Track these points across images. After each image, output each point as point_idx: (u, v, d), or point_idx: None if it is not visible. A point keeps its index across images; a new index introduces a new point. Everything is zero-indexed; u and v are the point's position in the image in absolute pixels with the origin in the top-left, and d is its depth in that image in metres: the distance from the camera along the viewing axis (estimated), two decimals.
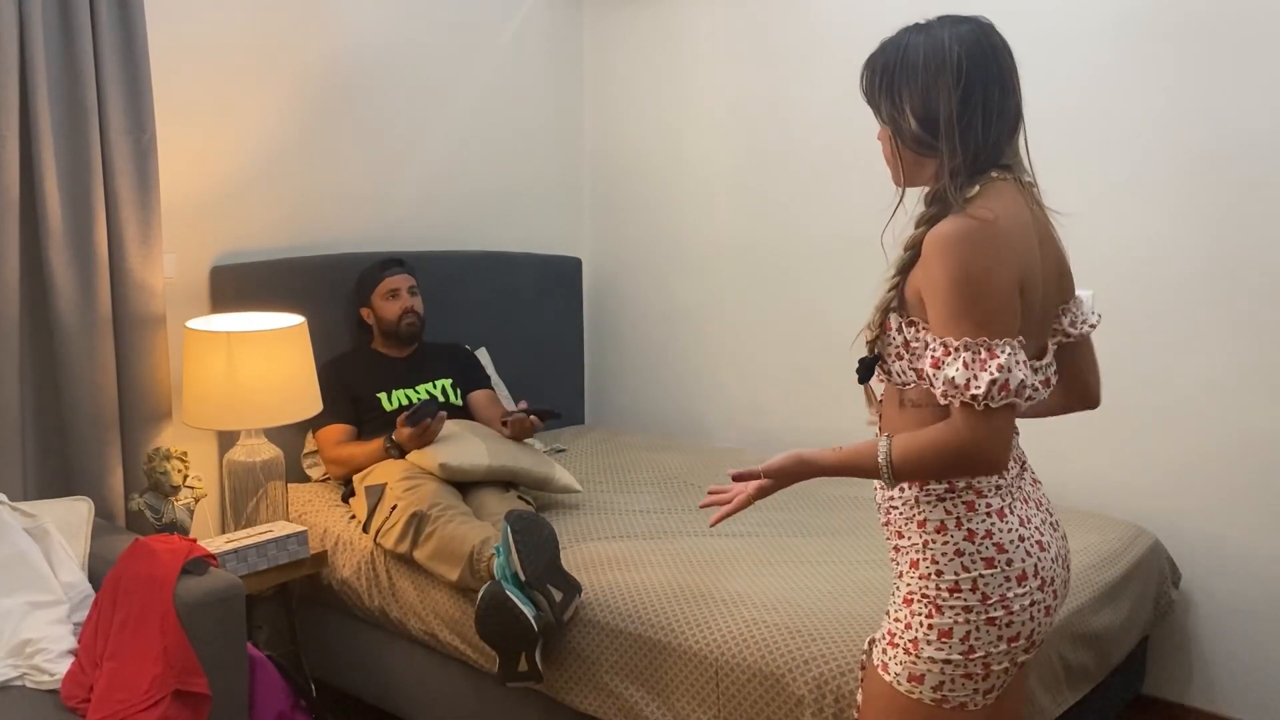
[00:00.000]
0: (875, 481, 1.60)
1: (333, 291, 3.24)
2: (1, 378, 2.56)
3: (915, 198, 1.55)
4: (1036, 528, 1.53)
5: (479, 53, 3.79)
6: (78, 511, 2.50)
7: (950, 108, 1.45)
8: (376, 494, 2.79)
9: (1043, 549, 1.52)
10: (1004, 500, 1.51)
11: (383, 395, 3.14)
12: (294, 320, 2.87)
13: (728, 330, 3.86)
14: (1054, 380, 1.59)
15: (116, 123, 2.70)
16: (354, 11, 3.40)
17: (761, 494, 1.63)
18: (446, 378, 3.27)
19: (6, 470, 2.57)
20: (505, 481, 2.95)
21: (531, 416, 3.02)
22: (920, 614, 1.50)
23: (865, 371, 1.57)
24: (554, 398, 3.93)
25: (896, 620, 1.54)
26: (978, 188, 1.45)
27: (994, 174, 1.48)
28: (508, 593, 2.27)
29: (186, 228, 3.02)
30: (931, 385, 1.42)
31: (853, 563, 2.54)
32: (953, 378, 1.38)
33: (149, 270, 2.78)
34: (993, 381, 1.36)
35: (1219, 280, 2.82)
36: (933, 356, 1.41)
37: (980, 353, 1.37)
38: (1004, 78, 1.48)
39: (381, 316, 3.20)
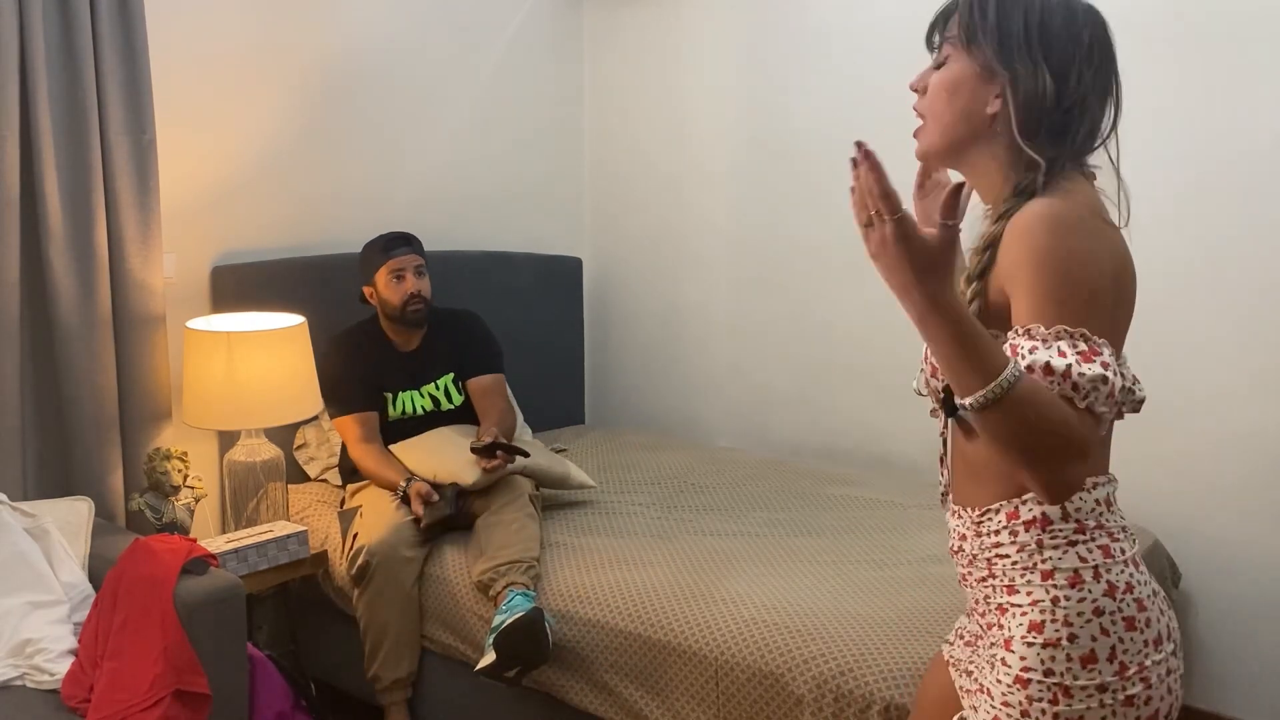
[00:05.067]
0: (955, 526, 1.32)
1: (333, 291, 3.24)
2: (2, 378, 2.56)
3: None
4: (1151, 580, 1.28)
5: (479, 53, 3.79)
6: (78, 511, 2.50)
7: (1082, 89, 1.26)
8: (349, 519, 2.79)
9: (1170, 605, 1.27)
10: (1134, 547, 1.25)
11: (388, 395, 3.03)
12: (294, 320, 2.87)
13: (728, 330, 3.86)
14: (1140, 392, 1.30)
15: (116, 123, 2.70)
16: (354, 11, 3.40)
17: (902, 229, 1.10)
18: (448, 373, 3.11)
19: (6, 470, 2.57)
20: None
21: (499, 455, 2.79)
22: (1041, 699, 1.20)
23: (951, 404, 1.23)
24: (554, 398, 3.93)
25: (1007, 705, 1.22)
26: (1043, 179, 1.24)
27: (1069, 166, 1.27)
28: (546, 621, 2.35)
29: (186, 228, 3.02)
30: None
31: (853, 562, 2.54)
32: (1049, 362, 1.11)
33: (149, 270, 2.78)
34: (1101, 378, 1.11)
35: (1219, 280, 2.82)
36: (1011, 345, 1.15)
37: (1079, 344, 1.13)
38: (1115, 73, 1.31)
39: (385, 299, 2.99)
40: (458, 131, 3.73)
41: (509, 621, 2.33)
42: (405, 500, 2.76)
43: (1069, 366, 1.11)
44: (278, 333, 2.78)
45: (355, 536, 2.68)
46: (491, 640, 2.34)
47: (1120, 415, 1.25)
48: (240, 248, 3.16)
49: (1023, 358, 1.13)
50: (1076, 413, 1.11)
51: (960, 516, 1.34)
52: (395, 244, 3.02)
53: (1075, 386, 1.10)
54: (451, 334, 3.15)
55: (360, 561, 2.60)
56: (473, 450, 2.79)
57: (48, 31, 2.58)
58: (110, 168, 2.70)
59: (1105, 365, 1.12)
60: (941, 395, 1.28)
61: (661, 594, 2.37)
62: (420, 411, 3.04)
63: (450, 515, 2.71)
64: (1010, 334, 1.17)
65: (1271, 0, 2.68)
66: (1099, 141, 1.30)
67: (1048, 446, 1.10)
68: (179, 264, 3.01)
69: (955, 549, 1.36)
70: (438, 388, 3.09)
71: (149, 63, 2.75)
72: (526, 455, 2.86)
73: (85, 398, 2.68)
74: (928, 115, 1.33)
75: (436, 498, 2.72)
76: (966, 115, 1.29)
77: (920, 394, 1.43)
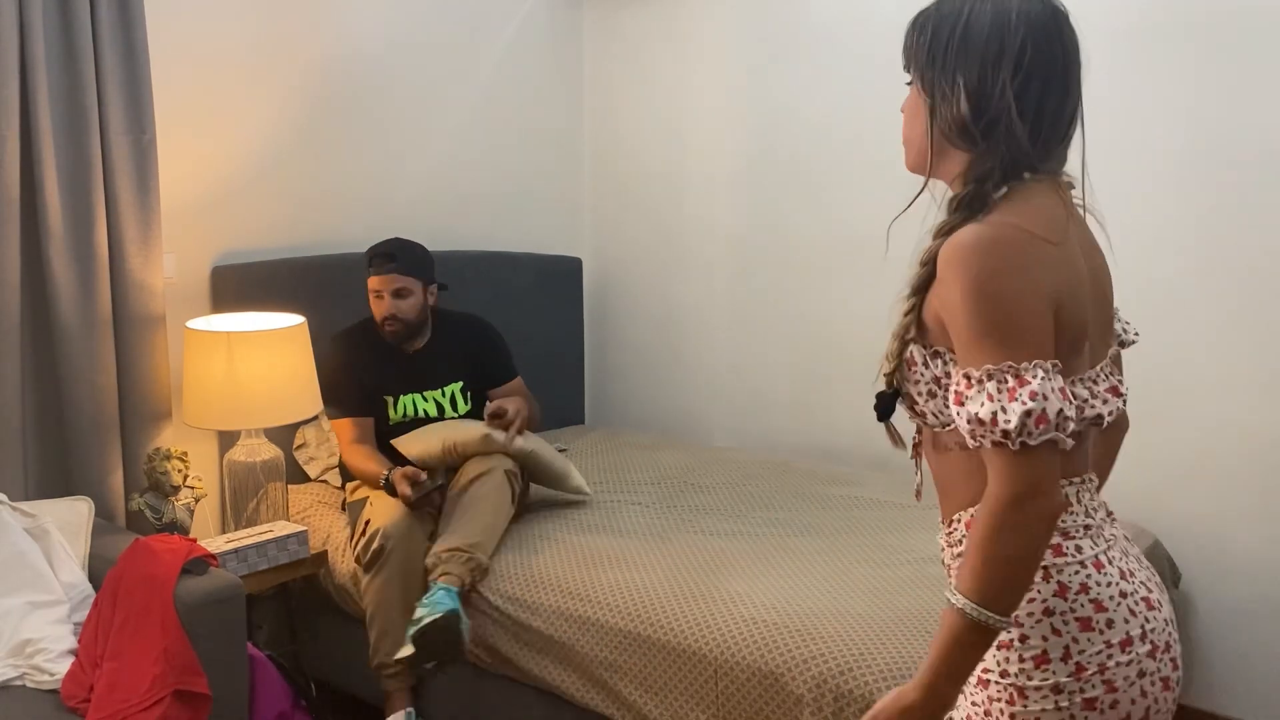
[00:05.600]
0: (940, 536, 1.37)
1: (333, 291, 3.24)
2: (2, 378, 2.56)
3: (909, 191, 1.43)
4: (1142, 582, 1.27)
5: (479, 53, 3.79)
6: (78, 511, 2.50)
7: (1004, 101, 1.24)
8: (358, 509, 2.80)
9: (1151, 608, 1.25)
10: (1098, 546, 1.26)
11: (389, 399, 2.98)
12: (294, 320, 2.87)
13: (728, 330, 3.86)
14: (1123, 389, 1.33)
15: (116, 123, 2.70)
16: (354, 11, 3.40)
17: None
18: (457, 381, 3.05)
19: (6, 470, 2.57)
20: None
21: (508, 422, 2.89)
22: (1000, 699, 1.24)
23: (884, 408, 1.32)
24: (554, 398, 3.93)
25: (974, 705, 1.27)
26: (1005, 189, 1.25)
27: (1027, 175, 1.27)
28: (461, 625, 2.43)
29: (186, 228, 3.02)
30: (958, 425, 1.20)
31: (852, 562, 2.54)
32: (977, 414, 1.15)
33: (149, 270, 2.78)
34: (1026, 413, 1.13)
35: (1218, 280, 2.82)
36: (955, 392, 1.19)
37: (1007, 381, 1.15)
38: (1068, 76, 1.27)
39: (373, 312, 3.00)
40: (458, 131, 3.73)
41: (427, 619, 2.40)
42: (390, 489, 2.75)
43: (994, 414, 1.14)
44: (278, 333, 2.78)
45: (368, 523, 2.69)
46: (410, 634, 2.40)
47: (1079, 436, 1.25)
48: (240, 248, 3.16)
49: (959, 413, 1.18)
50: (1004, 467, 1.15)
51: (939, 529, 1.39)
52: (377, 260, 2.95)
53: (1005, 434, 1.14)
54: (460, 340, 3.09)
55: (375, 545, 2.60)
56: (487, 416, 2.89)
57: (48, 31, 2.58)
58: (110, 168, 2.70)
59: (1033, 395, 1.13)
60: (875, 402, 1.33)
61: (661, 594, 2.37)
62: (423, 416, 3.01)
63: (439, 487, 2.74)
64: (955, 373, 1.21)
65: (1272, 1, 2.68)
66: (1041, 146, 1.27)
67: (1015, 535, 1.14)
68: (179, 264, 3.01)
69: (942, 560, 1.40)
70: (444, 395, 3.04)
71: (149, 63, 2.75)
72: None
73: (85, 398, 2.68)
74: (904, 137, 1.37)
75: (424, 476, 2.73)
76: (923, 135, 1.32)
77: None
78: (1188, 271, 2.86)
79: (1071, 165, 1.34)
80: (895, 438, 1.40)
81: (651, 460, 3.45)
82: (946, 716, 1.27)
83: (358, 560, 2.67)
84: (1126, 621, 1.22)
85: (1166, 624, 1.27)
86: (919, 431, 1.39)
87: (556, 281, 3.98)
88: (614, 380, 4.22)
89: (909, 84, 1.35)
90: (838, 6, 3.45)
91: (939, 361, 1.26)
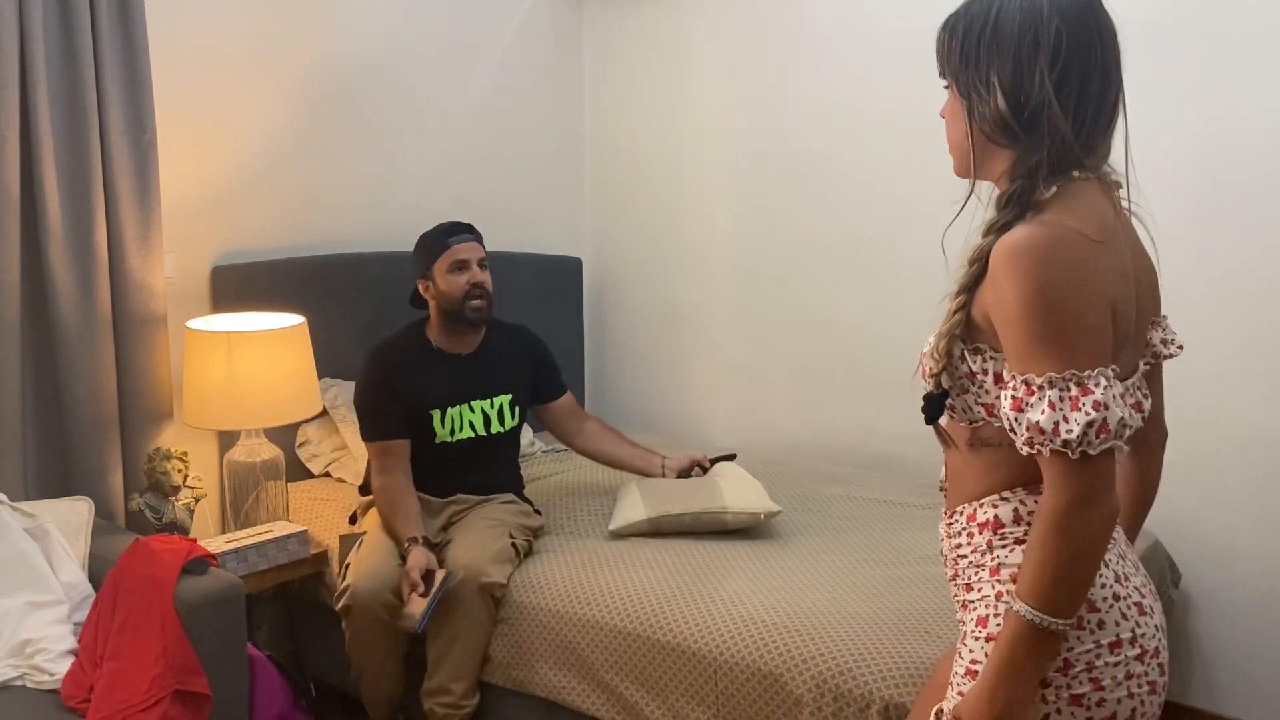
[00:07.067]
0: (940, 528, 1.40)
1: (333, 291, 3.24)
2: (2, 378, 2.56)
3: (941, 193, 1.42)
4: (1136, 588, 1.28)
5: (479, 53, 3.79)
6: (78, 511, 2.50)
7: (1044, 93, 1.23)
8: (348, 546, 2.66)
9: (1143, 613, 1.26)
10: None
11: (436, 413, 2.75)
12: (294, 320, 2.87)
13: (728, 330, 3.86)
14: (1146, 405, 1.34)
15: (116, 123, 2.70)
16: (354, 11, 3.40)
17: None
18: (507, 393, 2.83)
19: (6, 470, 2.57)
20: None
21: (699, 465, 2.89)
22: None
23: (933, 410, 1.31)
24: None
25: (960, 694, 1.28)
26: (1055, 188, 1.23)
27: (1076, 174, 1.26)
28: None
29: (186, 228, 3.02)
30: (1012, 430, 1.20)
31: (852, 562, 2.54)
32: (1038, 423, 1.15)
33: (149, 270, 2.78)
34: (1089, 424, 1.13)
35: (1218, 279, 2.82)
36: (1013, 398, 1.18)
37: (1070, 389, 1.15)
38: (1107, 62, 1.26)
39: (444, 292, 2.72)
40: (458, 131, 3.73)
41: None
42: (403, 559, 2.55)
43: (1056, 425, 1.15)
44: (278, 333, 2.78)
45: (347, 569, 2.58)
46: None
47: (1136, 424, 1.25)
48: (240, 248, 3.16)
49: (1018, 419, 1.18)
50: (1062, 475, 1.15)
51: (941, 520, 1.42)
52: (457, 230, 2.79)
53: (1065, 444, 1.15)
54: (512, 350, 2.90)
55: (344, 603, 2.52)
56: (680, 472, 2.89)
57: (48, 31, 2.58)
58: (110, 168, 2.70)
59: (1096, 405, 1.14)
60: (923, 405, 1.32)
61: (661, 594, 2.37)
62: (469, 433, 2.79)
63: (445, 588, 2.46)
64: (1009, 378, 1.20)
65: (1272, 1, 2.68)
66: (1087, 138, 1.27)
67: (1073, 542, 1.16)
68: (179, 264, 3.01)
69: (942, 552, 1.42)
70: (492, 405, 2.82)
71: (149, 63, 2.74)
72: (733, 456, 2.96)
73: (85, 398, 2.68)
74: (947, 140, 1.37)
75: (440, 575, 2.47)
76: (965, 137, 1.32)
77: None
78: (1188, 271, 2.86)
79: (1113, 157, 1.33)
80: (946, 438, 1.37)
81: None
82: (939, 705, 1.30)
83: (336, 601, 2.57)
84: (1118, 624, 1.24)
85: (1157, 630, 1.28)
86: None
87: (556, 281, 3.98)
88: (614, 380, 4.22)
89: (945, 88, 1.35)
90: (838, 6, 3.44)
91: (978, 358, 1.27)
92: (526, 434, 3.45)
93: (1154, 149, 2.87)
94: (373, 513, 2.77)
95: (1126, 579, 1.28)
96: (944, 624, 2.16)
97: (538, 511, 2.86)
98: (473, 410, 2.79)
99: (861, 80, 3.38)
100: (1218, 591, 2.91)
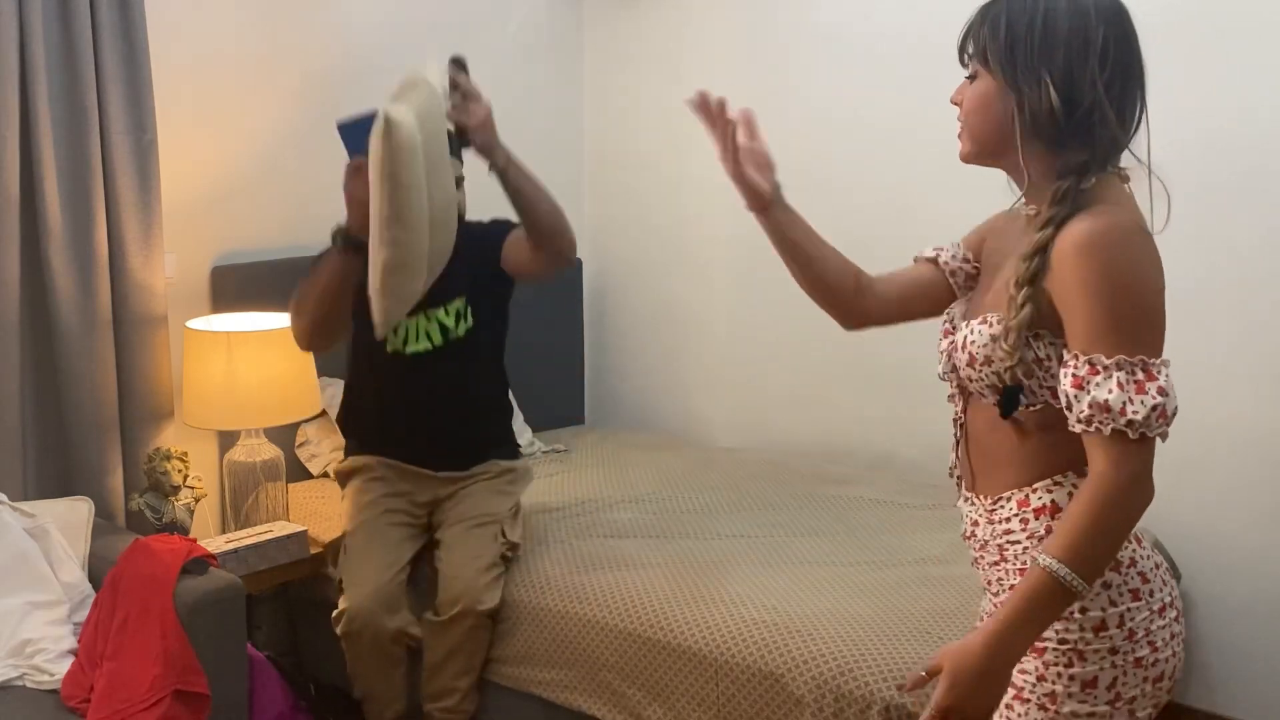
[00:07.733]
0: (968, 512, 1.43)
1: None
2: (1, 378, 2.56)
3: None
4: (1157, 557, 1.40)
5: (479, 53, 3.78)
6: (78, 511, 2.50)
7: (1095, 94, 1.27)
8: (336, 549, 2.65)
9: (1172, 576, 1.40)
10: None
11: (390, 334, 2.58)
12: None
13: (728, 330, 3.86)
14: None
15: (116, 123, 2.69)
16: (354, 11, 3.40)
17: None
18: (460, 296, 2.67)
19: (6, 470, 2.57)
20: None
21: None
22: (1057, 663, 1.32)
23: (1011, 404, 1.34)
24: (554, 398, 3.93)
25: (1024, 672, 1.34)
26: (1094, 180, 1.30)
27: (1110, 168, 1.33)
28: None
29: (187, 228, 3.02)
30: (1068, 408, 1.25)
31: (852, 563, 2.54)
32: (1106, 400, 1.21)
33: (149, 270, 2.78)
34: (1154, 408, 1.21)
35: (1218, 278, 2.82)
36: (1074, 375, 1.24)
37: (1136, 373, 1.22)
38: (1140, 66, 1.32)
39: None
40: None
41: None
42: (344, 239, 2.42)
43: (1124, 404, 1.21)
44: (278, 333, 2.78)
45: (340, 585, 2.55)
46: None
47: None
48: (240, 248, 3.16)
49: (1078, 396, 1.23)
50: (1120, 454, 1.21)
51: (974, 504, 1.44)
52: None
53: (1129, 424, 1.21)
54: (463, 250, 2.64)
55: (342, 629, 2.49)
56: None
57: (48, 31, 2.57)
58: (110, 168, 2.70)
59: (1161, 391, 1.22)
60: (1000, 399, 1.34)
61: (661, 594, 2.37)
62: (426, 346, 2.64)
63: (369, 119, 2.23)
64: (1069, 358, 1.25)
65: (1272, 1, 2.69)
66: (1129, 138, 1.33)
67: (1119, 520, 1.23)
68: (179, 264, 3.01)
69: (968, 534, 1.46)
70: (447, 313, 2.66)
71: (149, 63, 2.74)
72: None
73: (85, 398, 2.68)
74: (965, 126, 1.39)
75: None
76: (999, 127, 1.34)
77: (943, 378, 1.49)
78: (1187, 270, 2.85)
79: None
80: (989, 422, 1.40)
81: (651, 460, 3.44)
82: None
83: (334, 622, 2.54)
84: (1161, 590, 1.36)
85: (1176, 591, 1.41)
86: (963, 410, 1.45)
87: (556, 282, 3.98)
88: (614, 380, 4.22)
89: (970, 77, 1.37)
90: (838, 6, 3.44)
91: (1040, 343, 1.31)
92: (526, 434, 3.45)
93: (1154, 148, 2.87)
94: (349, 494, 2.69)
95: (1148, 545, 1.38)
96: (945, 625, 2.16)
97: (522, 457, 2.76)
98: (429, 320, 2.63)
99: (862, 82, 3.38)
100: (1218, 591, 2.91)
